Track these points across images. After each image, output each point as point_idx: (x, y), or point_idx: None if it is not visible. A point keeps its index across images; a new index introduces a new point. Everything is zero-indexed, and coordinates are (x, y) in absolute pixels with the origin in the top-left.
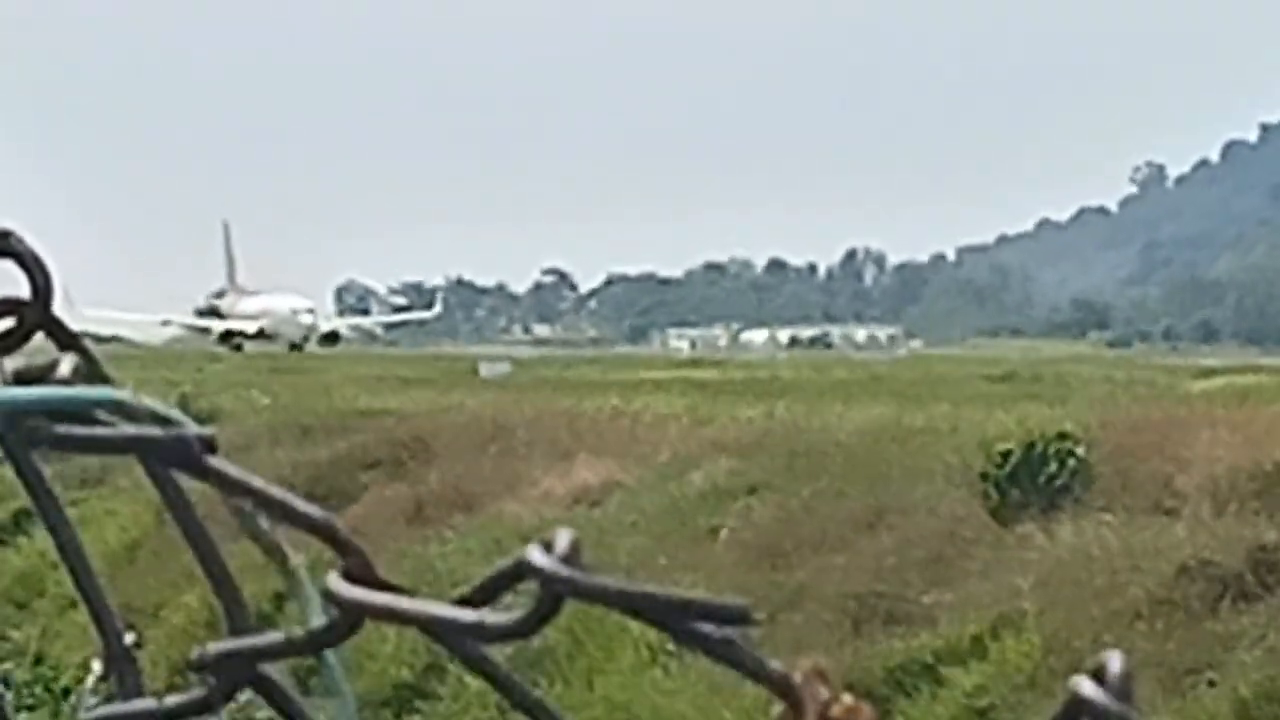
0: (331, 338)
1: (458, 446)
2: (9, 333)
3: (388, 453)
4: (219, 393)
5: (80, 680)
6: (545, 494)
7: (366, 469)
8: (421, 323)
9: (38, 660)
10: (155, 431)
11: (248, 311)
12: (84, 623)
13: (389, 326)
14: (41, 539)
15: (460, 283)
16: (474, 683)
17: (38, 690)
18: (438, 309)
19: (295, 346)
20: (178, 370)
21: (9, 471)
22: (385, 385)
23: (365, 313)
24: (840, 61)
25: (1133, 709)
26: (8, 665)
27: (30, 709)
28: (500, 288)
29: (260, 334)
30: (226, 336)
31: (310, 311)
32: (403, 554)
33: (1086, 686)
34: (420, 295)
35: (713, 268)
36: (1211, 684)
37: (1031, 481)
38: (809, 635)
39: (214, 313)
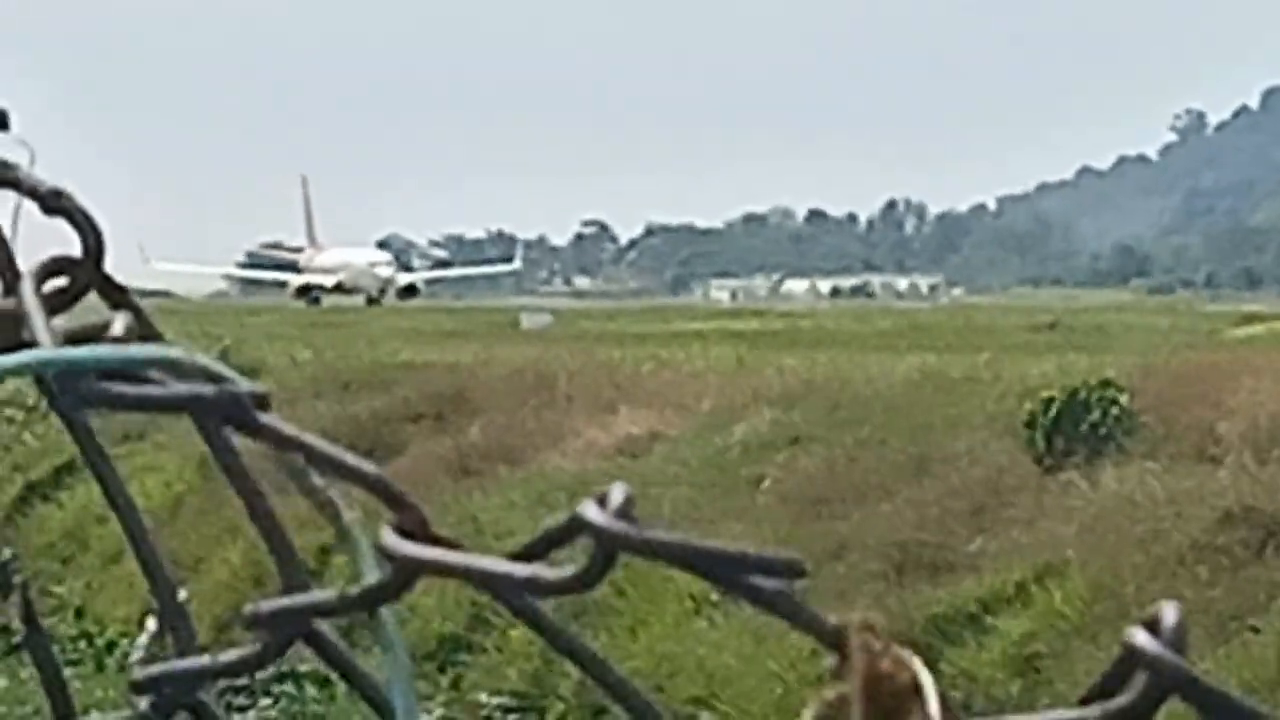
0: (410, 290)
1: (500, 399)
2: (61, 291)
3: (430, 406)
4: (260, 346)
5: (126, 635)
6: (588, 446)
7: (409, 422)
8: (498, 276)
9: (79, 614)
10: (208, 389)
11: (325, 265)
12: (127, 578)
13: (460, 279)
14: (84, 494)
15: (500, 235)
16: (517, 635)
17: (81, 645)
18: (518, 263)
19: (373, 300)
20: (219, 324)
21: (50, 429)
22: (427, 338)
23: (407, 267)
24: (880, 10)
25: (1187, 660)
26: (52, 620)
27: (74, 664)
28: (540, 240)
29: (338, 288)
30: (304, 290)
31: (388, 264)
32: (446, 507)
33: (1140, 637)
34: (461, 248)
35: (753, 218)
36: (1255, 630)
37: (1075, 429)
38: (852, 585)
39: (292, 266)
